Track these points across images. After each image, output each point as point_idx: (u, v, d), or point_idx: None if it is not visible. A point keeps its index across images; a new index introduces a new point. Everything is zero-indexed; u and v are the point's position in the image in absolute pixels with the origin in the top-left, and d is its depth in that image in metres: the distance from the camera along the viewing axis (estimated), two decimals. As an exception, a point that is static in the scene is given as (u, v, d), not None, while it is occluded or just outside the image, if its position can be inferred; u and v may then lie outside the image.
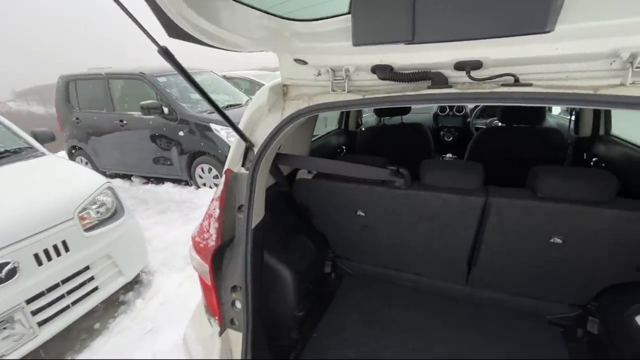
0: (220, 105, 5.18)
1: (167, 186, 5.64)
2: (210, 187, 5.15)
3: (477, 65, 1.01)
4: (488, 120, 3.83)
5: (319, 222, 2.14)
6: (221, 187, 1.35)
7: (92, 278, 2.61)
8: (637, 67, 0.85)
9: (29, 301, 2.20)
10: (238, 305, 1.36)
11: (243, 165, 1.36)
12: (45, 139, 3.42)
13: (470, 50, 0.97)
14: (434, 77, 1.08)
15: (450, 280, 2.02)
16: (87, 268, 2.56)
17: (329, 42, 1.11)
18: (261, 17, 1.04)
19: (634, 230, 1.30)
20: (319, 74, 1.27)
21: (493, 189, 1.51)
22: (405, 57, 1.07)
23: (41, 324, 2.28)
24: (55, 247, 2.35)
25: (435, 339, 1.75)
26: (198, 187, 5.22)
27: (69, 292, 2.45)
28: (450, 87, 1.05)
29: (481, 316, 1.89)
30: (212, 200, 1.37)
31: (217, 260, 1.34)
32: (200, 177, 5.15)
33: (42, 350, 2.43)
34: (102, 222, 2.72)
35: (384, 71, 1.12)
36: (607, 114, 2.47)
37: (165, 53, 0.79)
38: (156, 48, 0.78)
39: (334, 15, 1.06)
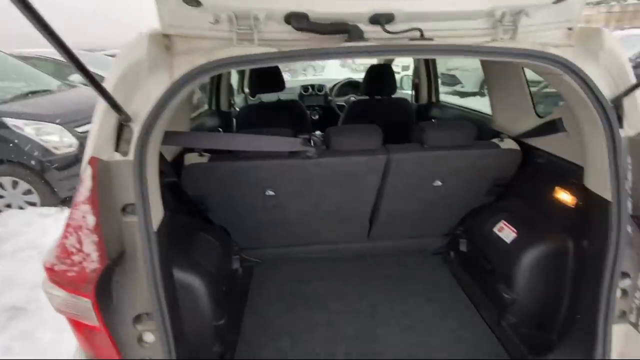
0: (14, 94, 3.69)
1: None
2: (21, 208, 3.69)
3: (390, 17, 1.03)
4: (346, 97, 4.24)
5: (218, 215, 1.84)
6: (86, 183, 0.92)
7: None
8: (505, 24, 1.05)
9: None
10: (149, 338, 1.01)
11: (117, 149, 0.97)
12: None
13: (387, 1, 0.98)
14: (352, 31, 1.04)
15: (355, 240, 2.16)
16: None
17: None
18: None
19: (485, 164, 1.70)
20: (216, 22, 1.01)
21: (391, 146, 1.66)
22: (323, 4, 0.97)
23: None
24: None
25: (357, 297, 1.85)
26: (-2, 210, 3.64)
27: None
28: (367, 40, 1.04)
29: (383, 263, 2.12)
30: (75, 206, 0.93)
31: (104, 288, 0.93)
32: (1, 196, 3.60)
33: None
34: None
35: (300, 20, 1.00)
36: (437, 86, 3.16)
37: None
38: None
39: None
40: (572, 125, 1.44)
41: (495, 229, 1.75)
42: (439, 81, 3.35)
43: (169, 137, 1.21)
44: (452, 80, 6.44)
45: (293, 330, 1.65)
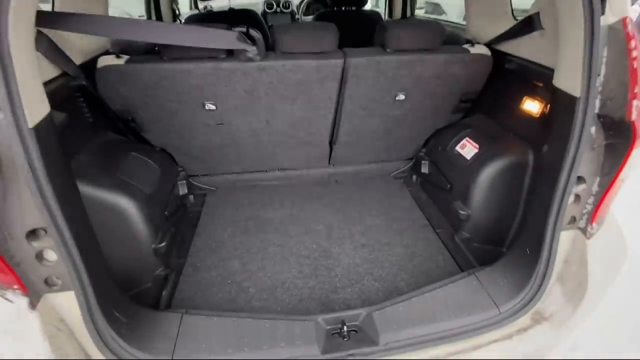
0: None
1: None
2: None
3: None
4: (314, 15, 3.79)
5: (155, 135, 1.63)
6: None
7: None
8: None
9: None
10: (51, 256, 0.87)
11: None
12: None
13: None
14: None
15: (315, 166, 2.04)
16: None
17: None
18: None
19: (453, 73, 1.53)
20: None
21: (349, 50, 1.44)
22: None
23: None
24: None
25: (314, 220, 1.79)
26: None
27: None
28: None
29: (344, 188, 2.04)
30: None
31: None
32: None
33: None
34: None
35: None
36: (413, 0, 2.82)
37: None
38: None
39: None
40: (549, 21, 1.26)
41: (458, 147, 1.66)
42: (423, 11, 2.98)
43: (48, 18, 0.94)
44: (436, 10, 6.00)
45: (245, 251, 1.59)
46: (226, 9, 2.53)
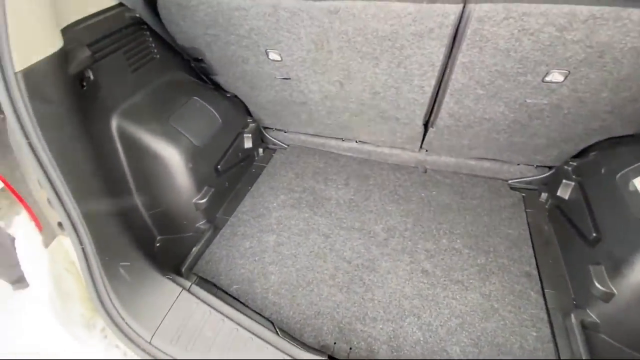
0: None
1: None
2: None
3: None
4: None
5: (224, 80, 1.49)
6: None
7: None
8: None
9: None
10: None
11: None
12: None
13: None
14: None
15: (401, 147, 1.60)
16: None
17: None
18: None
19: None
20: None
21: None
22: None
23: None
24: None
25: (375, 215, 1.44)
26: None
27: None
28: None
29: (433, 185, 1.55)
30: None
31: None
32: None
33: None
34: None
35: None
36: None
37: None
38: None
39: None
40: None
41: (638, 182, 0.95)
42: None
43: None
44: None
45: (285, 229, 1.41)
46: None
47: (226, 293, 1.19)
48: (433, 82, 1.13)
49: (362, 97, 1.30)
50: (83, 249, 0.87)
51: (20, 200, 0.87)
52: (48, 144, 0.75)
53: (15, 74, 0.68)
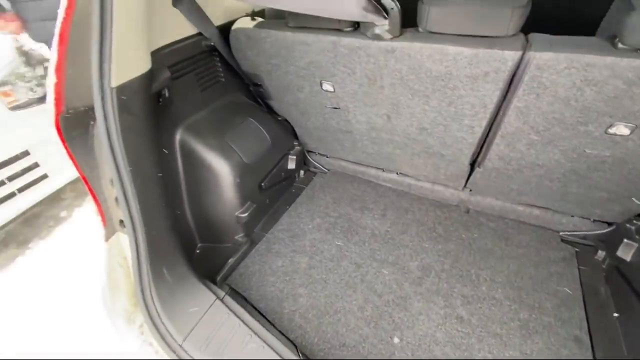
0: None
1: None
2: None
3: None
4: None
5: (277, 105, 1.59)
6: (62, 12, 0.78)
7: (36, 165, 2.31)
8: None
9: (-41, 186, 1.95)
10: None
11: None
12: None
13: None
14: None
15: (444, 184, 1.57)
16: (26, 153, 2.23)
17: None
18: None
19: None
20: None
21: (537, 37, 0.89)
22: None
23: (-16, 210, 2.09)
24: (-29, 127, 1.97)
25: (411, 251, 1.40)
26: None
27: (10, 178, 2.18)
28: None
29: (475, 226, 1.49)
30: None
31: (74, 138, 0.88)
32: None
33: (4, 237, 2.36)
34: (38, 101, 2.26)
35: None
36: None
37: None
38: None
39: None
40: None
41: None
42: None
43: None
44: None
45: (318, 253, 1.43)
46: None
47: (255, 308, 1.22)
48: (484, 123, 1.12)
49: (409, 132, 1.32)
50: (137, 247, 0.96)
51: (94, 196, 0.98)
52: (125, 149, 0.86)
53: (112, 89, 0.80)
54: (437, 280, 1.29)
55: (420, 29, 1.00)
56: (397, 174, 1.69)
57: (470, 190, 1.54)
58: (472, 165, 1.38)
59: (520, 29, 0.91)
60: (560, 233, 1.43)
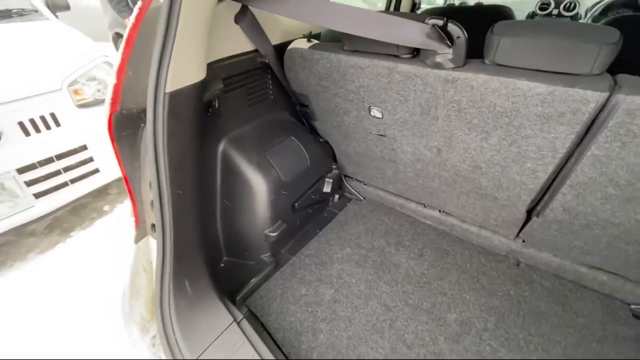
0: None
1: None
2: None
3: None
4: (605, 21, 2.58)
5: (321, 127, 1.57)
6: (132, 19, 0.81)
7: (91, 159, 2.48)
8: None
9: (20, 171, 2.13)
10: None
11: None
12: (60, 7, 3.14)
13: None
14: None
15: (493, 229, 1.42)
16: (84, 147, 2.41)
17: None
18: None
19: None
20: None
21: (629, 79, 0.78)
22: None
23: (38, 196, 2.25)
24: (43, 118, 2.17)
25: (450, 300, 1.26)
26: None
27: (66, 169, 2.35)
28: None
29: (527, 283, 1.31)
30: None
31: (123, 138, 0.89)
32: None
33: (51, 222, 2.52)
34: (103, 102, 2.46)
35: None
36: None
37: None
38: None
39: None
40: None
41: None
42: None
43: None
44: None
45: (345, 286, 1.32)
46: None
47: (272, 338, 1.13)
48: (550, 168, 1.00)
49: (460, 168, 1.21)
50: (163, 254, 0.93)
51: (131, 196, 0.99)
52: (169, 154, 0.85)
53: (165, 94, 0.81)
54: (478, 341, 1.12)
55: (486, 61, 0.93)
56: (440, 211, 1.56)
57: (524, 241, 1.37)
58: (529, 213, 1.24)
59: (606, 69, 0.80)
60: (632, 306, 1.21)
